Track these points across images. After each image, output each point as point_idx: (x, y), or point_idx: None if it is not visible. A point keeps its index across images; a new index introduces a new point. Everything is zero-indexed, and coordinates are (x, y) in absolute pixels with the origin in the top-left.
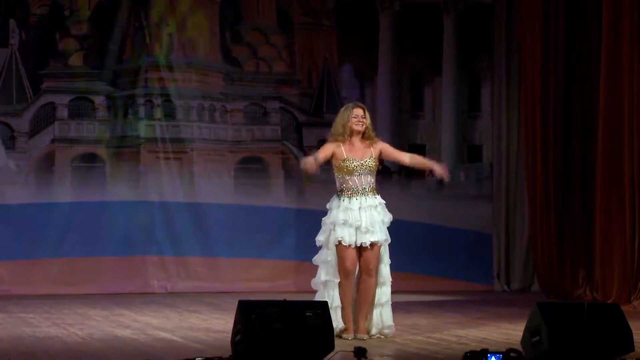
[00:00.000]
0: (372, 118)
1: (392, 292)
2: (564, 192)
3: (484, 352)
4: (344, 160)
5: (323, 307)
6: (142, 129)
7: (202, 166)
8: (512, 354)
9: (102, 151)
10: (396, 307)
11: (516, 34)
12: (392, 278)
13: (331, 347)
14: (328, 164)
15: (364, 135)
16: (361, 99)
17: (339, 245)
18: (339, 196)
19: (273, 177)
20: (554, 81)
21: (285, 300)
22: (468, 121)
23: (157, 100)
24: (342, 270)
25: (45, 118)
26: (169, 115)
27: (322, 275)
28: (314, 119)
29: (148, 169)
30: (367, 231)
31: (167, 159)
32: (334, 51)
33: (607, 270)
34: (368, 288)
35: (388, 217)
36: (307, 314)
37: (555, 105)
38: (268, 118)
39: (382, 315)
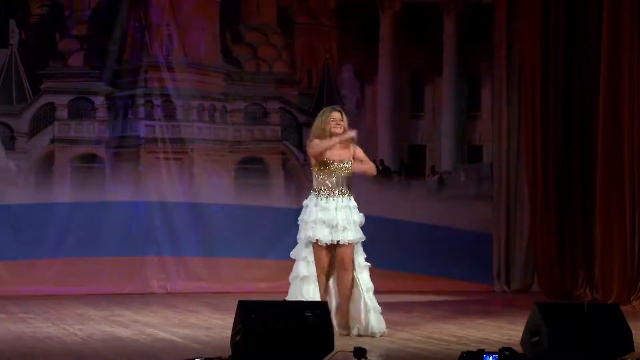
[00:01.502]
0: (373, 118)
1: (392, 293)
2: (564, 192)
3: (480, 353)
4: (324, 161)
5: (323, 307)
6: (142, 129)
7: (202, 166)
8: (506, 352)
9: (101, 151)
10: (396, 307)
11: (516, 34)
12: (392, 278)
13: (331, 347)
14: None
15: None
16: (361, 99)
17: (315, 244)
18: (316, 195)
19: (273, 178)
20: (554, 81)
21: (285, 300)
22: (468, 121)
23: (157, 101)
24: (319, 267)
25: (45, 118)
26: (169, 115)
27: (302, 270)
28: (314, 120)
29: (148, 169)
30: (344, 229)
31: (167, 159)
32: (334, 51)
33: (607, 270)
34: (346, 283)
35: (361, 219)
36: (307, 314)
37: (555, 106)
38: (268, 118)
39: (371, 321)
